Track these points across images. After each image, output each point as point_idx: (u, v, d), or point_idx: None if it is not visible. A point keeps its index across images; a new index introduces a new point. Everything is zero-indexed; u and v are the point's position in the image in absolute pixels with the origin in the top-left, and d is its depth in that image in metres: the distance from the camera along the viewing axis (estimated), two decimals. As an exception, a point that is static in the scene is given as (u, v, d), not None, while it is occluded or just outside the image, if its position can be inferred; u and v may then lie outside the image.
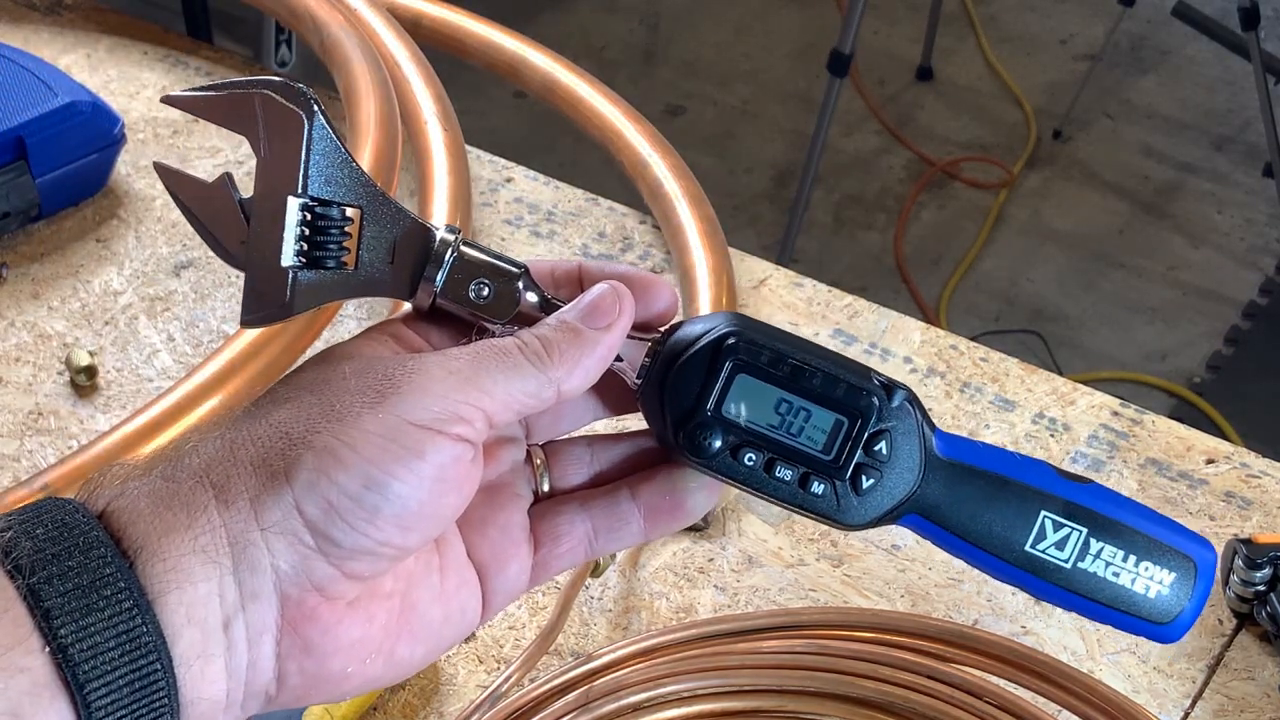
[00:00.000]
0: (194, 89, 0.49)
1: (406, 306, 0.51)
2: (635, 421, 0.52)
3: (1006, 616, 0.77)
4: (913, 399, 0.50)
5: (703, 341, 0.50)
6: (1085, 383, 0.90)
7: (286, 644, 0.45)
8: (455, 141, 0.98)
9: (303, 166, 0.48)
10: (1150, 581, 0.50)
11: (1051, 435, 0.86)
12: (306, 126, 0.48)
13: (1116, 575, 0.50)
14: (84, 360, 0.88)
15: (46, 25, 1.17)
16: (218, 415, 0.48)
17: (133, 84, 1.11)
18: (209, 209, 0.49)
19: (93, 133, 0.99)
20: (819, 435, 0.50)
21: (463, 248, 0.50)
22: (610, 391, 0.52)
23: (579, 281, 0.51)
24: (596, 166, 1.22)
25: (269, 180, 0.48)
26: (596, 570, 0.77)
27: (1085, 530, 0.50)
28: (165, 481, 0.45)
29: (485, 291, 0.49)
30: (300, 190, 0.48)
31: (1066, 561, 0.50)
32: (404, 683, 0.73)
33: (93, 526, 0.43)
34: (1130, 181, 2.68)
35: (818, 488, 0.50)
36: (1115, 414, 0.87)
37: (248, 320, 0.49)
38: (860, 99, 2.79)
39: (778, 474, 0.50)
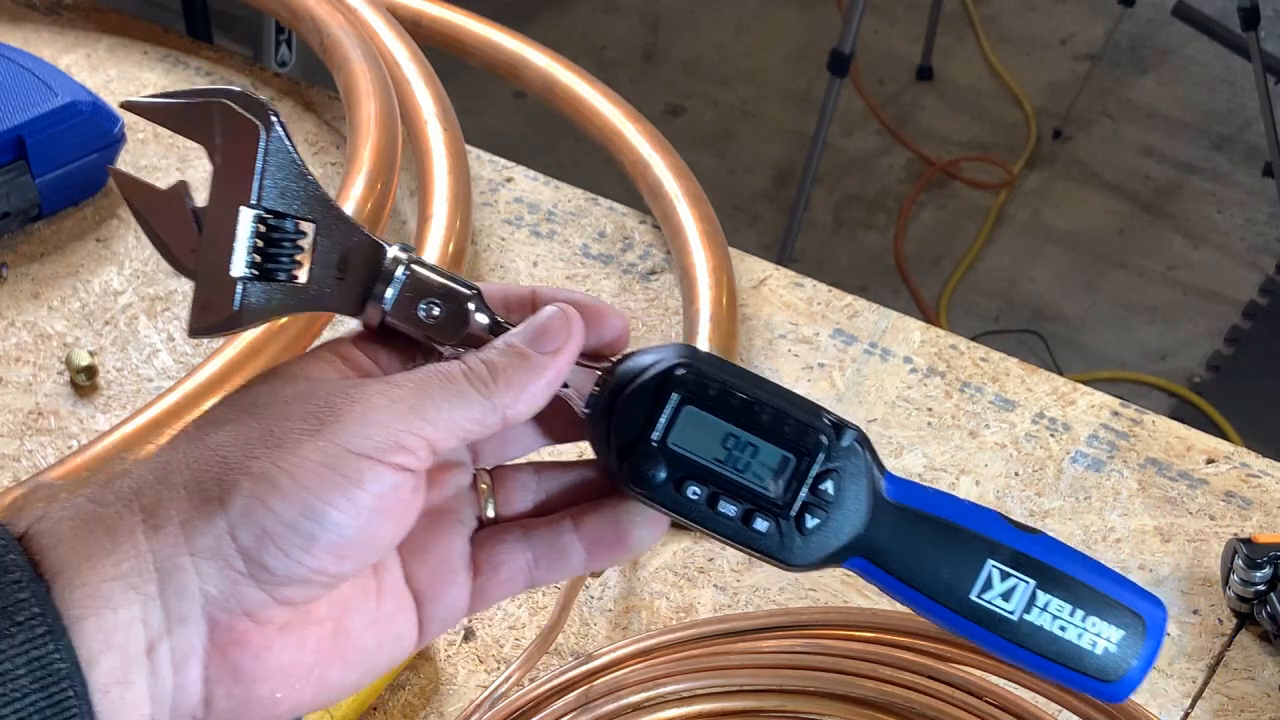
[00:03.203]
0: (154, 96, 0.49)
1: (355, 324, 0.50)
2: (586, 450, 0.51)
3: (1006, 616, 0.77)
4: (863, 440, 0.49)
5: (651, 372, 0.49)
6: (1085, 383, 0.90)
7: (214, 668, 0.44)
8: (455, 141, 0.98)
9: (258, 177, 0.48)
10: (1098, 638, 0.49)
11: (1051, 435, 0.86)
12: (264, 138, 0.47)
13: (1064, 630, 0.49)
14: (84, 360, 0.88)
15: (46, 25, 1.17)
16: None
17: (133, 84, 1.11)
18: (162, 215, 0.48)
19: (93, 133, 0.98)
20: (765, 472, 0.49)
21: (414, 267, 0.49)
22: (559, 419, 0.51)
23: (532, 306, 0.50)
24: (596, 166, 1.23)
25: (223, 190, 0.48)
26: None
27: (1033, 582, 0.49)
28: (92, 504, 0.44)
29: (435, 312, 0.49)
30: (254, 201, 0.48)
31: (1013, 613, 0.49)
32: (404, 683, 0.73)
33: (9, 549, 0.42)
34: (1130, 181, 2.68)
35: (761, 525, 0.49)
36: (1115, 414, 0.87)
37: (195, 330, 0.49)
38: (860, 99, 2.79)
39: (721, 509, 0.49)
